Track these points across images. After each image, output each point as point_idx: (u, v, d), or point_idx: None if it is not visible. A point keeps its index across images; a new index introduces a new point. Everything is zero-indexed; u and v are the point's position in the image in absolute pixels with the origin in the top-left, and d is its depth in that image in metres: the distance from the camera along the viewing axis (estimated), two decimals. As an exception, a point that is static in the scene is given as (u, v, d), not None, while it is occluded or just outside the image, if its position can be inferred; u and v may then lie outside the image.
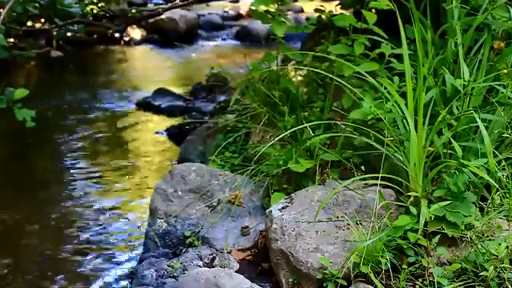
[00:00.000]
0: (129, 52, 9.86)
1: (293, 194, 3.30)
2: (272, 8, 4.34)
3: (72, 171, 5.23)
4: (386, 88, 3.35)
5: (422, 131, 3.08)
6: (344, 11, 4.84)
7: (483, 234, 2.85)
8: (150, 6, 11.90)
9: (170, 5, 10.64)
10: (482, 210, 2.97)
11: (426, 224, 2.89)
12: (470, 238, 2.85)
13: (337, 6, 5.07)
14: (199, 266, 3.27)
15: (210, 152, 4.49)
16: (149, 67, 9.02)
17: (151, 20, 10.34)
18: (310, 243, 2.97)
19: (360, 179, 3.13)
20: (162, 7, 10.39)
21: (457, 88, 3.33)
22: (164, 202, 3.64)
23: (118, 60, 9.45)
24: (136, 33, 10.39)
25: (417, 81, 3.24)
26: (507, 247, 2.73)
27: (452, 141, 3.07)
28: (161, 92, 7.10)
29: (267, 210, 3.24)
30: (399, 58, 3.68)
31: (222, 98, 6.52)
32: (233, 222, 3.54)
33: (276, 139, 3.36)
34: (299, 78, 4.59)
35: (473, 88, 3.31)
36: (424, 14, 3.75)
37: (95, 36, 9.98)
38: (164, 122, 6.41)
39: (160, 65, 9.11)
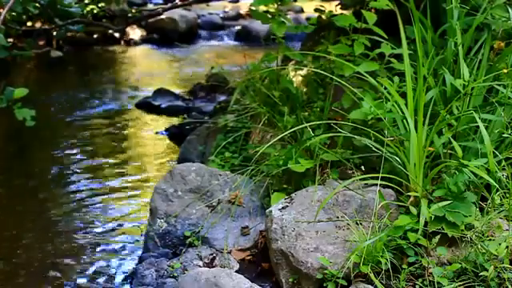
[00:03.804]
0: (129, 52, 9.86)
1: (293, 194, 3.30)
2: (272, 8, 4.34)
3: (71, 171, 5.23)
4: (386, 88, 3.35)
5: (422, 131, 3.08)
6: (344, 11, 4.84)
7: (483, 234, 2.85)
8: (150, 6, 11.89)
9: (170, 5, 10.63)
10: (481, 210, 2.97)
11: (426, 224, 2.89)
12: (470, 238, 2.85)
13: (337, 6, 5.07)
14: (199, 266, 3.27)
15: (209, 152, 4.49)
16: (149, 67, 9.02)
17: (151, 20, 10.33)
18: (310, 243, 2.97)
19: (360, 179, 3.13)
20: (161, 7, 10.39)
21: (457, 88, 3.33)
22: (164, 202, 3.64)
23: (117, 60, 9.45)
24: (136, 33, 10.39)
25: (417, 81, 3.24)
26: (507, 247, 2.73)
27: (452, 141, 3.07)
28: (161, 92, 7.10)
29: (267, 210, 3.24)
30: (399, 57, 3.68)
31: (222, 97, 6.53)
32: (233, 222, 3.54)
33: (276, 139, 3.36)
34: (299, 78, 4.59)
35: (473, 88, 3.31)
36: (424, 14, 3.75)
37: (95, 36, 9.98)
38: (164, 122, 6.42)
39: (160, 65, 9.11)
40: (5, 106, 4.32)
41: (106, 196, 4.76)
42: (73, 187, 4.92)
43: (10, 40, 7.91)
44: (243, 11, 11.72)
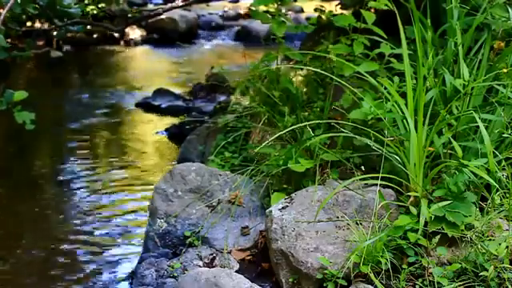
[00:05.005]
0: (129, 52, 9.86)
1: (293, 194, 3.29)
2: (272, 8, 4.34)
3: (71, 171, 5.23)
4: (386, 88, 3.35)
5: (422, 131, 3.08)
6: (344, 11, 4.85)
7: (483, 234, 2.85)
8: (150, 6, 11.89)
9: (170, 5, 10.63)
10: (481, 210, 2.97)
11: (426, 224, 2.89)
12: (470, 238, 2.85)
13: (337, 5, 5.08)
14: (199, 266, 3.27)
15: (209, 152, 4.49)
16: (149, 67, 9.02)
17: (151, 20, 10.33)
18: (310, 243, 2.97)
19: (360, 179, 3.13)
20: (161, 7, 10.38)
21: (457, 88, 3.33)
22: (164, 202, 3.64)
23: (118, 60, 9.45)
24: (136, 33, 10.39)
25: (417, 81, 3.24)
26: (507, 247, 2.73)
27: (452, 141, 3.07)
28: (161, 92, 7.10)
29: (267, 210, 3.24)
30: (399, 57, 3.68)
31: (222, 98, 6.53)
32: (233, 222, 3.54)
33: (274, 137, 3.35)
34: (299, 78, 4.59)
35: (473, 88, 3.31)
36: (424, 14, 3.75)
37: (95, 36, 9.99)
38: (164, 122, 6.41)
39: (160, 65, 9.11)
40: (4, 108, 4.31)
41: (105, 196, 4.76)
42: (72, 187, 4.92)
43: (8, 40, 7.90)
44: (243, 11, 11.72)
